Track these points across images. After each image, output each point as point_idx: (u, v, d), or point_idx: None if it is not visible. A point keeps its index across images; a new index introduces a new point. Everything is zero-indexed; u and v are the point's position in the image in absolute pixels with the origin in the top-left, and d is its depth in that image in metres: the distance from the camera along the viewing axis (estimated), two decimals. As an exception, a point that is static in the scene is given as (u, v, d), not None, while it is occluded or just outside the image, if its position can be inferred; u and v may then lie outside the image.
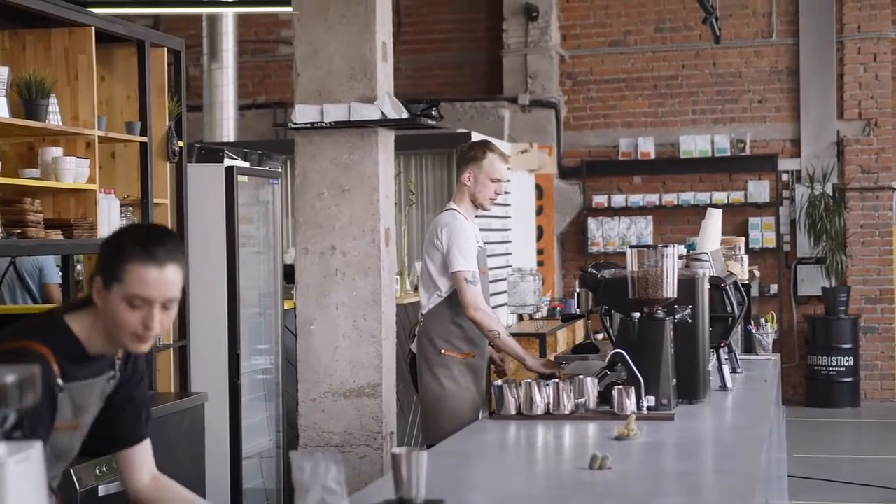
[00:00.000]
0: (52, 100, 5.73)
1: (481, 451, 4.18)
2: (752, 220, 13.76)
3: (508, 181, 6.49)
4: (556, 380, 4.75)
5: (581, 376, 4.70)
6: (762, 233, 13.75)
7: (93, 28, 5.97)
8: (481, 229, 6.33)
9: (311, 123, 6.05)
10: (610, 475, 3.55)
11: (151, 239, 3.00)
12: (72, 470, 4.78)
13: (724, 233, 7.11)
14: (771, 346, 7.07)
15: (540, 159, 13.17)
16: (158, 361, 6.51)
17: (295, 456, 2.70)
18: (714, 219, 6.38)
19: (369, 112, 6.01)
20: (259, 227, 7.64)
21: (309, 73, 6.11)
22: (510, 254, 11.65)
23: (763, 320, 7.14)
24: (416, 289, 9.52)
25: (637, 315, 4.76)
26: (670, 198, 13.91)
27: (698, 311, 4.98)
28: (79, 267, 6.61)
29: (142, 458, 3.29)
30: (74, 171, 5.77)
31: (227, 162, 7.29)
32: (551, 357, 9.30)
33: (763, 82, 14.00)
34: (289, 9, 6.40)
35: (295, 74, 6.14)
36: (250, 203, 7.47)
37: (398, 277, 9.24)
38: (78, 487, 4.83)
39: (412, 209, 11.02)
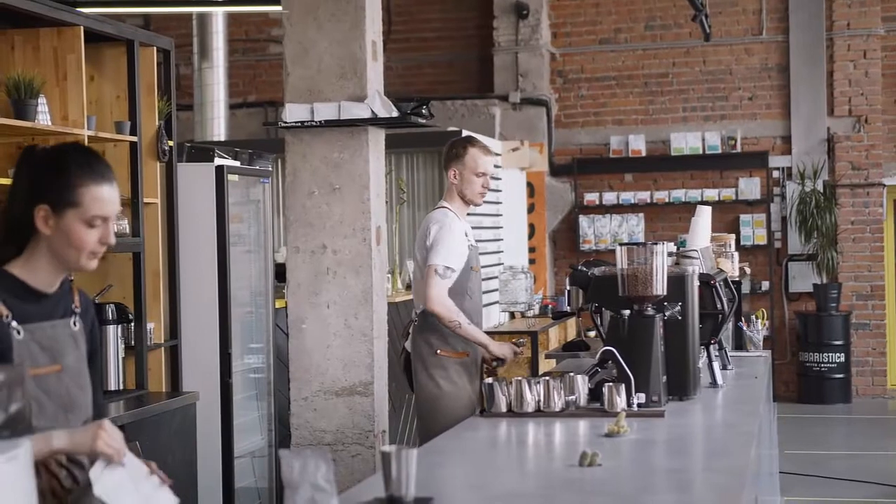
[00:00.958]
0: (42, 100, 5.73)
1: (471, 449, 4.18)
2: (744, 217, 13.77)
3: (498, 176, 6.48)
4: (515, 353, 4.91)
5: (571, 374, 4.71)
6: (753, 230, 13.76)
7: (81, 28, 5.97)
8: (473, 227, 6.34)
9: (302, 122, 6.05)
10: (600, 472, 3.56)
11: (93, 159, 3.07)
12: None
13: (715, 230, 7.12)
14: (762, 343, 7.08)
15: (531, 157, 13.17)
16: (150, 360, 6.51)
17: (284, 454, 2.70)
18: (703, 216, 6.38)
19: (359, 111, 6.00)
20: (250, 226, 7.64)
21: (299, 71, 6.11)
22: (502, 251, 11.66)
23: (754, 317, 7.15)
24: (407, 287, 9.53)
25: (627, 312, 4.76)
26: (661, 195, 13.92)
27: (688, 308, 4.98)
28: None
29: None
30: (64, 171, 5.76)
31: (218, 161, 7.29)
32: (542, 353, 9.34)
33: (753, 79, 14.01)
34: (278, 8, 6.40)
35: (285, 73, 6.14)
36: (241, 202, 7.48)
37: (389, 276, 9.25)
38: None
39: (403, 208, 11.04)
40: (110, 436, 2.93)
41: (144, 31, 7.11)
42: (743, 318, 7.17)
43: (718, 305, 5.51)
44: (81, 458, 3.08)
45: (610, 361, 4.69)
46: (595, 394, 4.66)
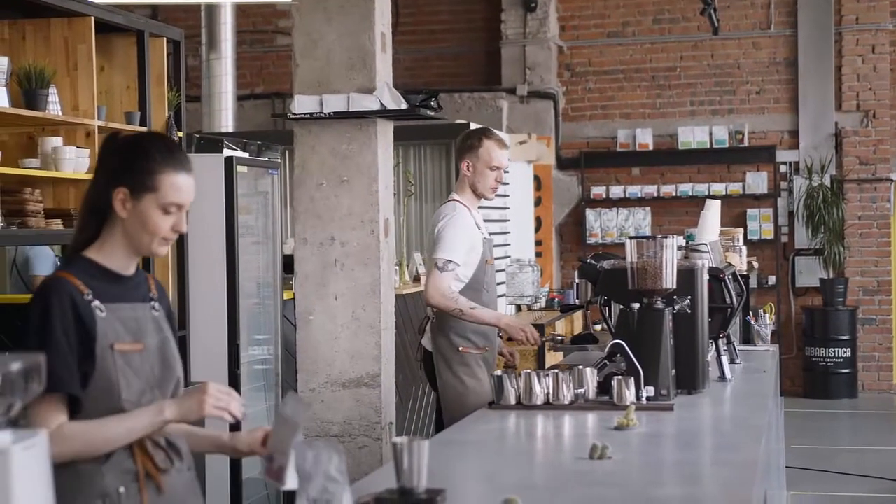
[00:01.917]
0: (52, 90, 5.74)
1: (482, 441, 4.18)
2: (751, 212, 13.77)
3: (508, 170, 6.43)
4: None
5: (580, 367, 4.71)
6: (760, 224, 13.76)
7: (92, 18, 5.97)
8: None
9: (311, 114, 6.04)
10: (610, 465, 3.57)
11: (173, 147, 3.16)
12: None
13: (722, 224, 7.12)
14: (769, 338, 7.08)
15: (538, 150, 13.16)
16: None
17: (296, 446, 2.72)
18: (713, 210, 6.38)
19: (368, 103, 5.99)
20: (258, 217, 7.65)
21: (308, 63, 6.10)
22: (509, 244, 11.65)
23: (762, 311, 7.15)
24: (415, 279, 9.53)
25: (636, 306, 4.76)
26: (668, 189, 13.92)
27: (697, 301, 4.98)
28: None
29: None
30: (74, 161, 5.78)
31: (227, 152, 7.30)
32: (548, 346, 9.30)
33: (761, 73, 14.00)
34: (288, -1, 6.40)
35: (294, 65, 6.14)
36: (249, 193, 7.48)
37: (397, 268, 9.25)
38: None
39: (411, 200, 11.03)
40: (216, 398, 3.08)
41: (154, 21, 7.12)
42: (751, 313, 7.16)
43: (727, 299, 5.51)
44: (178, 443, 3.21)
45: (618, 354, 4.69)
46: (604, 387, 4.66)
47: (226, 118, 12.68)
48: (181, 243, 6.79)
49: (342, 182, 6.09)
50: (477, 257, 5.87)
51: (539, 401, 4.58)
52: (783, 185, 13.87)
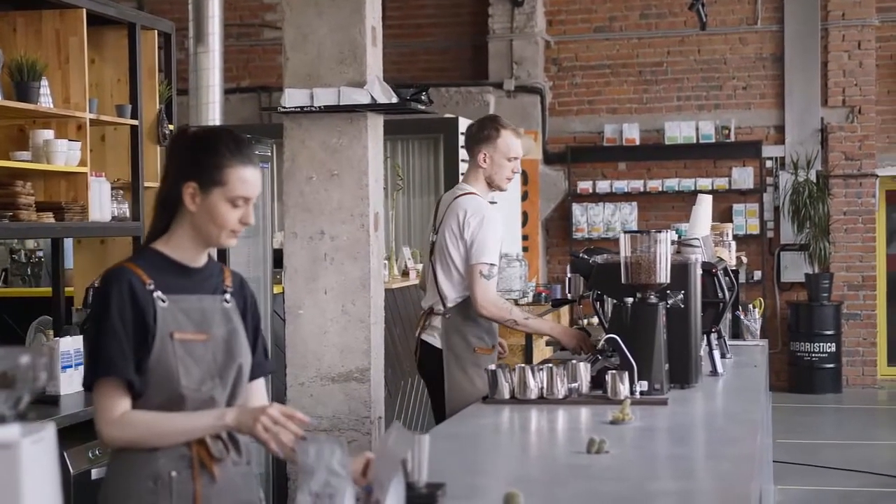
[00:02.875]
0: (44, 82, 5.72)
1: (477, 436, 4.18)
2: (737, 207, 13.80)
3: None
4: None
5: (574, 361, 4.72)
6: (746, 219, 13.79)
7: (84, 10, 5.95)
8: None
9: (301, 108, 6.03)
10: (608, 459, 3.57)
11: (241, 142, 3.20)
12: (65, 453, 4.76)
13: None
14: (759, 332, 7.10)
15: (525, 145, 13.15)
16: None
17: (300, 441, 2.72)
18: (704, 205, 6.39)
19: (359, 96, 5.98)
20: (247, 211, 7.61)
21: (298, 57, 6.09)
22: (496, 239, 11.63)
23: (751, 306, 7.18)
24: (403, 274, 9.52)
25: (630, 300, 4.77)
26: (655, 184, 13.94)
27: (691, 296, 4.99)
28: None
29: (255, 395, 3.36)
30: (66, 154, 5.76)
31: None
32: (535, 341, 9.31)
33: (748, 69, 14.03)
34: (278, -8, 6.39)
35: (284, 58, 6.12)
36: (239, 187, 7.44)
37: (386, 262, 9.24)
38: (71, 471, 4.81)
39: (399, 194, 11.02)
40: (269, 424, 3.01)
41: (146, 14, 7.09)
42: (740, 308, 7.18)
43: (720, 294, 5.53)
44: (238, 436, 3.19)
45: (612, 349, 4.70)
46: (597, 381, 4.67)
47: (213, 112, 12.60)
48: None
49: (332, 176, 6.08)
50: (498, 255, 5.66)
51: (533, 395, 4.59)
52: (769, 180, 13.90)
